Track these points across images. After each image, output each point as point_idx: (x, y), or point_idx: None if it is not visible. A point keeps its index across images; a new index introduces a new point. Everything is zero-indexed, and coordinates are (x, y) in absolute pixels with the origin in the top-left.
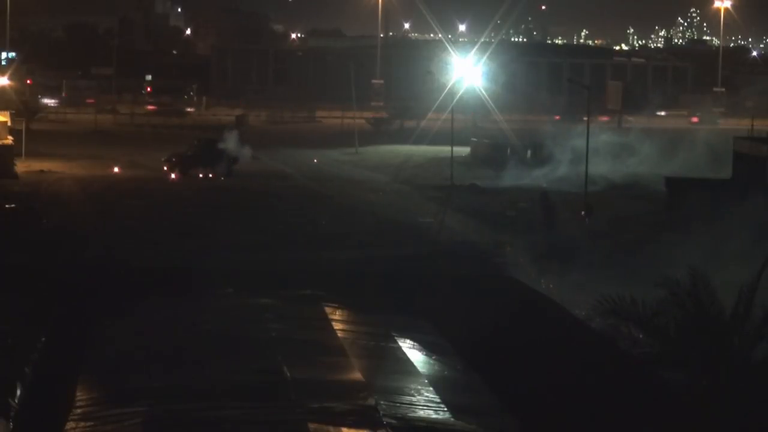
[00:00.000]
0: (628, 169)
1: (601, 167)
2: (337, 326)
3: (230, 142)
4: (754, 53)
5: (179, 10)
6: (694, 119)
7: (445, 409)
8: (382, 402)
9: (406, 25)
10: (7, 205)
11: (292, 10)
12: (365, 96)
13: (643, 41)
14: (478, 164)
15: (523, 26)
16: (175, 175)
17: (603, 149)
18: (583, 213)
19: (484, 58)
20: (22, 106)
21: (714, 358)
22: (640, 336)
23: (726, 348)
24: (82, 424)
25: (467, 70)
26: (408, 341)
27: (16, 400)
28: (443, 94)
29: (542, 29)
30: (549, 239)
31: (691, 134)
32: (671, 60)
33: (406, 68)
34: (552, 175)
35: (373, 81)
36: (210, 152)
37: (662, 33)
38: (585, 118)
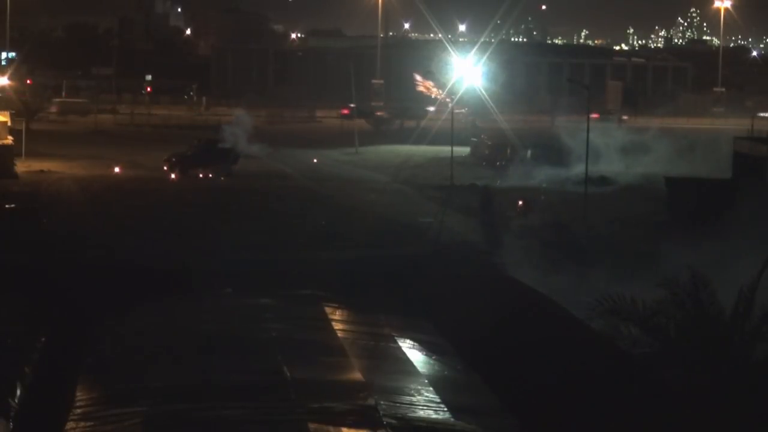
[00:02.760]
0: (641, 169)
1: (613, 167)
2: (337, 326)
3: (239, 125)
4: (754, 53)
5: (179, 10)
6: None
7: (445, 409)
8: (382, 402)
9: (406, 25)
10: (7, 205)
11: (292, 10)
12: (365, 96)
13: (643, 41)
14: (478, 164)
15: (523, 26)
16: (175, 175)
17: (613, 148)
18: (520, 203)
19: (484, 58)
20: (22, 106)
21: (714, 358)
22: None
23: (726, 348)
24: (82, 424)
25: (467, 70)
26: (408, 341)
27: (16, 400)
28: (443, 94)
29: (542, 29)
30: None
31: (711, 135)
32: (671, 60)
33: (406, 68)
34: (560, 175)
35: (373, 81)
36: (210, 152)
37: (662, 33)
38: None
